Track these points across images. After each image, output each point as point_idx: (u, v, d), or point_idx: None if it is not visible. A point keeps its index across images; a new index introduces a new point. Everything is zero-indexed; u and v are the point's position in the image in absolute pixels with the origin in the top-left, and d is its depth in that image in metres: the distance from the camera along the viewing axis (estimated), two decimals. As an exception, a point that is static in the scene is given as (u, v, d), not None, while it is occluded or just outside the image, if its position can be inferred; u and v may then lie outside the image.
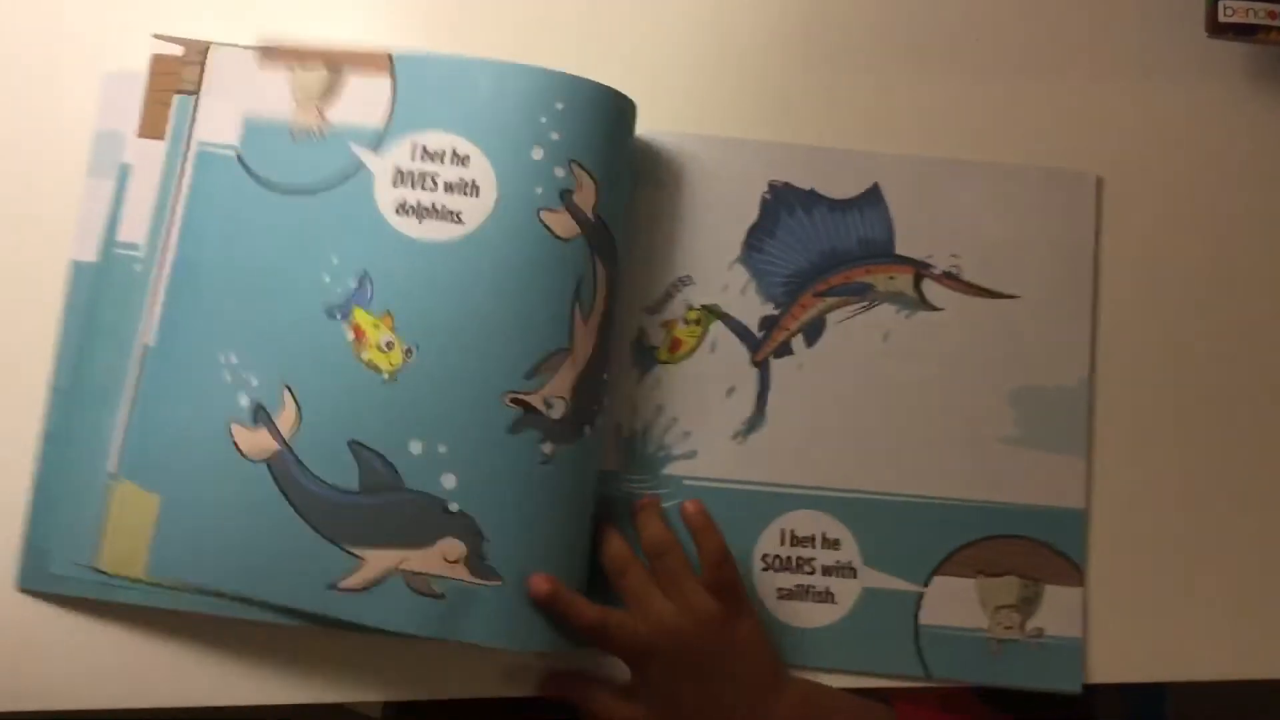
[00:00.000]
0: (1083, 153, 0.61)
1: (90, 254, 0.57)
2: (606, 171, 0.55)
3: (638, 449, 0.57)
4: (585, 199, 0.54)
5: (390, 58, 0.55)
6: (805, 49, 0.62)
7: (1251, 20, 0.57)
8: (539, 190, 0.53)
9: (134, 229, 0.57)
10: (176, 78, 0.58)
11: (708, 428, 0.58)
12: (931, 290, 0.59)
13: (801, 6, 0.62)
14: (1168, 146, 0.61)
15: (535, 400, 0.52)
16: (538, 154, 0.53)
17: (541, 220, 0.53)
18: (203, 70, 0.57)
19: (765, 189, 0.59)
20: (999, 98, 0.61)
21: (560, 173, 0.54)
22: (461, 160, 0.53)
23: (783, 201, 0.59)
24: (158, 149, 0.57)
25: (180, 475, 0.53)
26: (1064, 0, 0.62)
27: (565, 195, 0.54)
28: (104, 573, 0.53)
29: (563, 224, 0.54)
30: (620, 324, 0.58)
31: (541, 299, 0.53)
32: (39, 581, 0.55)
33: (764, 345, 0.58)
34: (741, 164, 0.59)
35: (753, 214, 0.59)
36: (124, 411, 0.55)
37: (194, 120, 0.57)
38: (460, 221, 0.53)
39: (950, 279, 0.59)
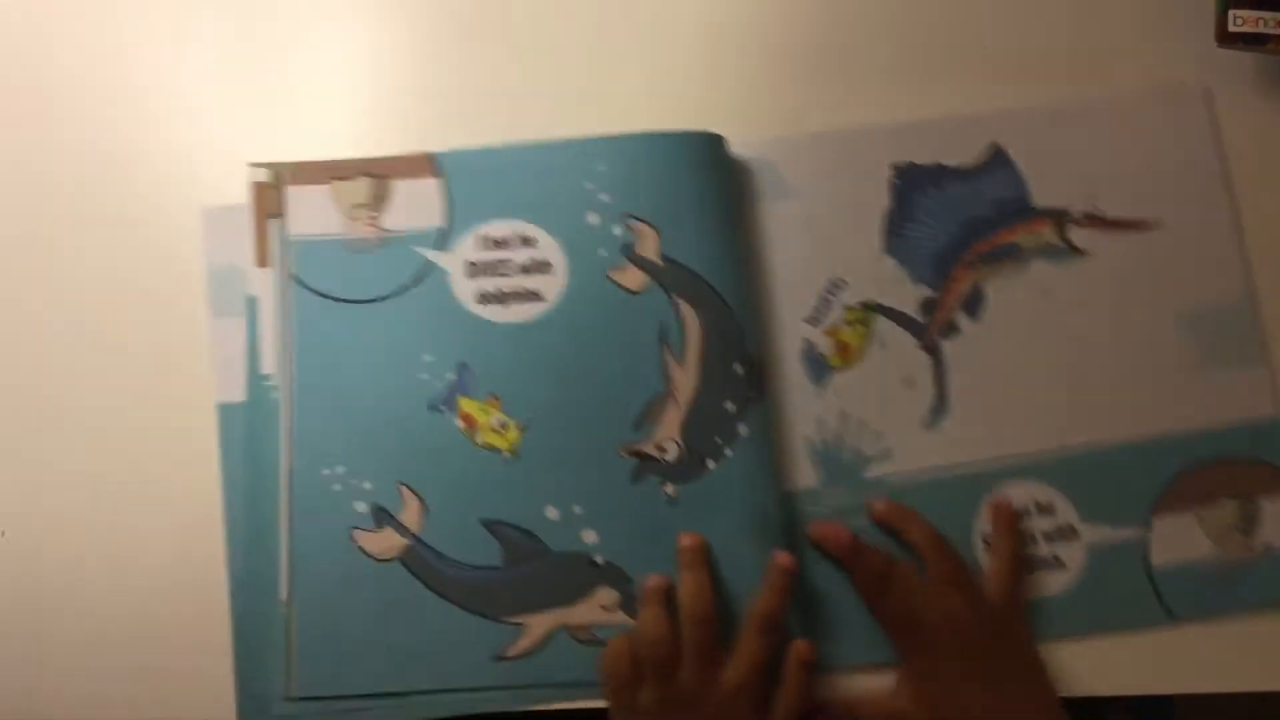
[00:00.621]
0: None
1: (237, 394, 0.56)
2: (666, 213, 0.56)
3: (833, 460, 0.56)
4: (648, 247, 0.56)
5: (432, 158, 0.57)
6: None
7: (1261, 30, 0.57)
8: (603, 253, 0.56)
9: (270, 360, 0.56)
10: (270, 204, 0.57)
11: (896, 423, 0.56)
12: (1077, 236, 0.58)
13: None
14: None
15: (648, 448, 0.55)
16: (593, 219, 0.56)
17: (611, 279, 0.56)
18: (282, 195, 0.58)
19: (891, 173, 0.59)
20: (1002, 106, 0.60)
21: (618, 230, 0.56)
22: (528, 242, 0.56)
23: (911, 182, 0.59)
24: (269, 276, 0.57)
25: (312, 592, 0.54)
26: (1074, 10, 0.62)
27: (628, 249, 0.56)
28: (297, 698, 0.53)
29: (631, 278, 0.56)
30: (783, 342, 0.57)
31: (629, 352, 0.55)
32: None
33: (929, 329, 0.57)
34: (861, 153, 0.59)
35: (885, 201, 0.58)
36: (285, 538, 0.54)
37: (286, 242, 0.57)
38: (540, 299, 0.56)
39: (1092, 220, 0.58)
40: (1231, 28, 0.57)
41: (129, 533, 0.56)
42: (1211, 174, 0.59)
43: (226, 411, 0.56)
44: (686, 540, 0.53)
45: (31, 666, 0.55)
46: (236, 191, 0.58)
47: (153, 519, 0.56)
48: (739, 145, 0.58)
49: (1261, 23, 0.57)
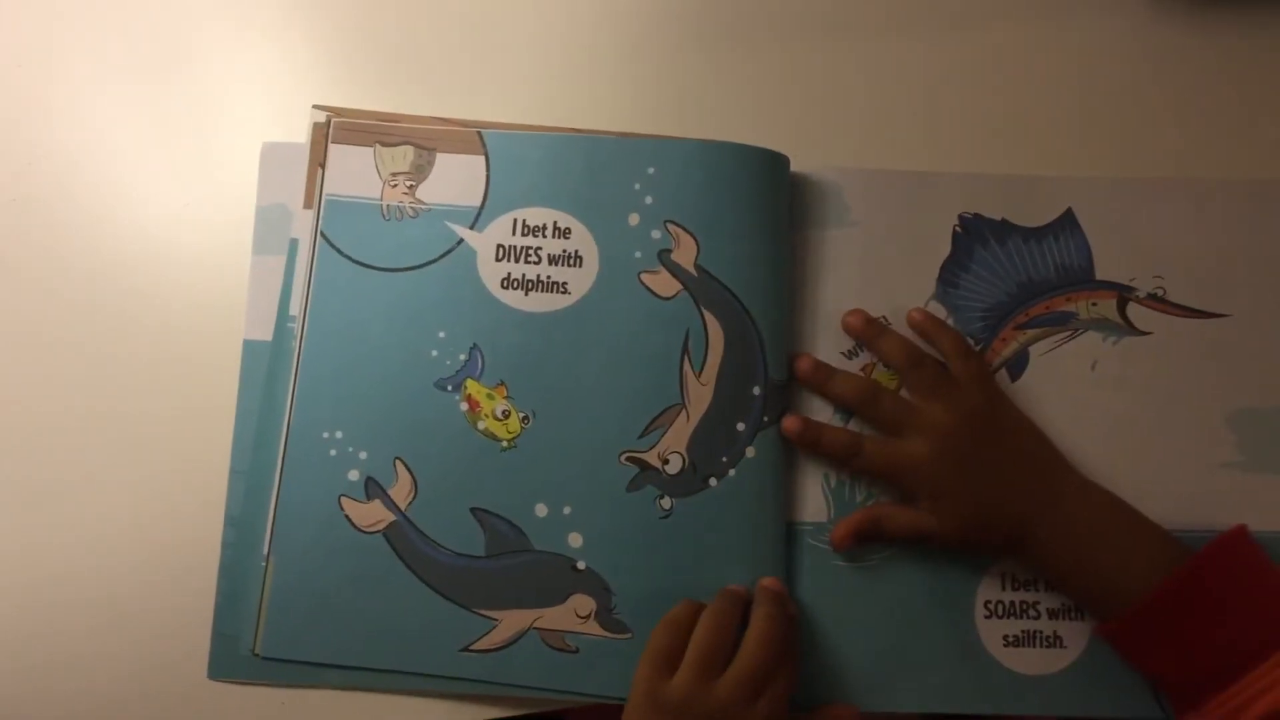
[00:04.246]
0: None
1: (264, 333, 0.56)
2: (708, 225, 0.55)
3: (847, 498, 0.55)
4: (685, 255, 0.55)
5: (480, 135, 0.56)
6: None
7: None
8: (638, 254, 0.55)
9: (297, 303, 0.56)
10: (320, 152, 0.57)
11: (917, 472, 0.55)
12: (1137, 314, 0.57)
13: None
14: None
15: (650, 458, 0.54)
16: (634, 220, 0.55)
17: (642, 282, 0.55)
18: (327, 143, 0.57)
19: (955, 221, 0.57)
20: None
21: (657, 234, 0.55)
22: (563, 233, 0.55)
23: (974, 233, 0.57)
24: (310, 220, 0.57)
25: (292, 552, 0.53)
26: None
27: (663, 255, 0.55)
28: (261, 656, 0.53)
29: (663, 283, 0.55)
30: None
31: (650, 358, 0.54)
32: (231, 670, 0.54)
33: (968, 384, 0.56)
34: (929, 197, 0.57)
35: (944, 248, 0.57)
36: (274, 493, 0.54)
37: (322, 193, 0.57)
38: (567, 292, 0.55)
39: (1156, 301, 0.57)
40: None
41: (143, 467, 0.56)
42: (1286, 273, 0.57)
43: (251, 349, 0.56)
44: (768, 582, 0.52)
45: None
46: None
47: (165, 456, 0.56)
48: (807, 166, 0.58)
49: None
